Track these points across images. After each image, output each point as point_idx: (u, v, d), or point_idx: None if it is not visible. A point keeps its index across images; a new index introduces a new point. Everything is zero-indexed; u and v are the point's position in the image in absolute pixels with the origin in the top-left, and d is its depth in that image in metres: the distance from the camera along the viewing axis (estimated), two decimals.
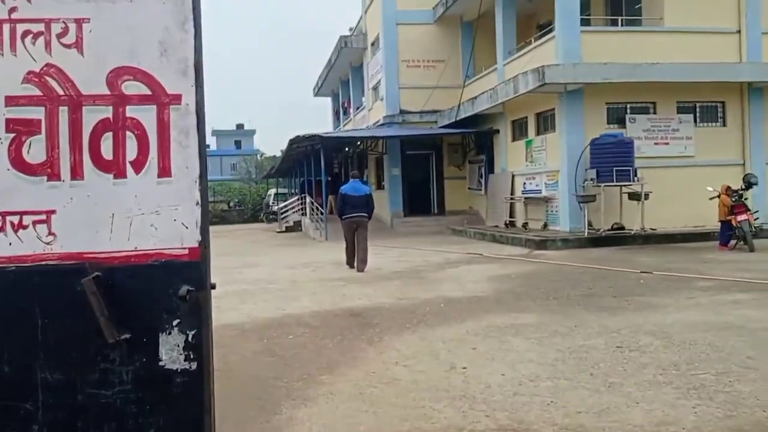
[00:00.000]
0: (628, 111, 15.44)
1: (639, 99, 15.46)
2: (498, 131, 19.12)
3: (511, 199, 17.88)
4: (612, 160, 14.05)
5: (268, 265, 13.03)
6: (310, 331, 6.54)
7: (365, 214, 11.39)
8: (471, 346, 5.63)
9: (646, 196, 14.16)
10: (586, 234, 14.19)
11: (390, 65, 21.81)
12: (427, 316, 7.06)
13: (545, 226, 16.16)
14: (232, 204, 44.53)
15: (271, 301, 8.41)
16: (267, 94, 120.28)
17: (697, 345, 5.36)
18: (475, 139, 21.09)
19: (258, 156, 69.07)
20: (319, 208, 20.65)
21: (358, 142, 24.29)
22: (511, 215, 17.88)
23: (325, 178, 19.48)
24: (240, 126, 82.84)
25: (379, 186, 24.04)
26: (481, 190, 20.42)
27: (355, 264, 11.34)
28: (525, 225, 16.69)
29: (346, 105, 30.92)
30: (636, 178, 14.20)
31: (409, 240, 17.42)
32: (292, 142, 19.15)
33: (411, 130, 21.07)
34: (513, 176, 18.11)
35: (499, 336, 5.97)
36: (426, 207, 22.40)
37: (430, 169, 22.55)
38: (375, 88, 24.25)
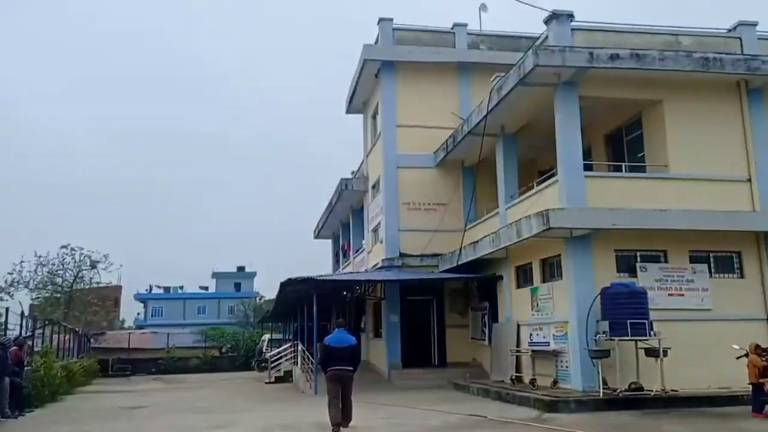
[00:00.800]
0: (639, 259, 14.54)
1: (649, 247, 14.62)
2: (501, 277, 18.17)
3: (518, 351, 16.51)
4: (626, 312, 12.94)
5: (244, 427, 11.48)
6: None
7: (350, 368, 10.62)
8: None
9: (665, 352, 12.87)
10: (601, 395, 12.71)
11: (390, 207, 21.38)
12: None
13: (555, 383, 14.67)
14: (224, 350, 42.65)
15: None
16: (269, 237, 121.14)
17: None
18: (477, 285, 20.09)
19: (257, 299, 67.86)
20: (310, 358, 19.21)
21: (357, 287, 23.32)
22: (518, 369, 16.39)
23: (316, 324, 18.27)
24: (241, 268, 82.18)
25: (377, 334, 22.71)
26: (484, 340, 19.08)
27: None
28: (533, 381, 15.18)
29: (345, 248, 30.32)
30: (652, 332, 12.99)
31: (407, 396, 15.84)
32: (284, 285, 18.16)
33: (410, 274, 20.14)
34: (519, 326, 16.88)
35: None
36: (426, 358, 20.90)
37: (430, 317, 21.33)
38: (375, 231, 23.70)
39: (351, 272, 25.90)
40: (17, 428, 12.08)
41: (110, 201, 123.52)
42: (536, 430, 10.08)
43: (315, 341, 18.61)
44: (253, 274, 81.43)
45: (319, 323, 18.77)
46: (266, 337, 37.94)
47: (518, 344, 16.68)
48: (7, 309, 17.47)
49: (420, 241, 21.09)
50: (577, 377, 13.82)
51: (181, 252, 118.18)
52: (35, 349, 28.54)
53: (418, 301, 21.20)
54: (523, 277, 17.23)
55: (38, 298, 41.09)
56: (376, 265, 22.22)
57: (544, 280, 15.90)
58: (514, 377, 16.10)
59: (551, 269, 15.66)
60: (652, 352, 12.98)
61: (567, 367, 14.38)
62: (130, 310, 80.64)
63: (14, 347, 14.62)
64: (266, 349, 35.37)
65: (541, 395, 13.12)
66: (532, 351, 15.71)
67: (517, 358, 16.52)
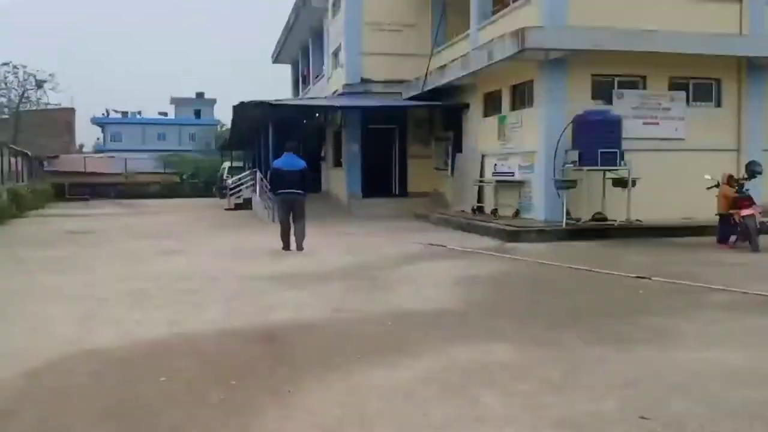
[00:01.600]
0: (616, 85, 13.65)
1: (629, 71, 13.66)
2: (468, 106, 17.20)
3: (481, 182, 16.04)
4: (597, 141, 12.29)
5: (193, 252, 10.95)
6: (196, 369, 4.56)
7: (300, 192, 10.58)
8: (422, 410, 3.73)
9: (634, 183, 12.45)
10: (564, 225, 12.42)
11: (352, 27, 19.62)
12: (367, 343, 5.15)
13: (517, 213, 14.35)
14: (185, 176, 41.88)
15: (168, 310, 6.39)
16: (229, 65, 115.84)
17: (763, 417, 3.56)
18: (442, 113, 19.15)
19: (218, 127, 66.00)
20: (268, 186, 18.53)
21: (316, 114, 22.17)
22: (480, 200, 16.04)
23: (272, 152, 17.33)
24: (200, 95, 79.24)
25: (337, 164, 21.98)
26: (447, 170, 18.54)
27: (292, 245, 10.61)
28: (494, 212, 14.87)
29: (305, 73, 28.59)
30: (622, 162, 12.47)
31: (366, 225, 15.47)
32: (237, 108, 16.86)
33: (372, 101, 18.96)
34: (483, 157, 16.24)
35: (466, 388, 4.08)
36: (387, 188, 20.43)
37: (392, 147, 20.54)
38: (335, 54, 22.04)
39: (309, 98, 24.49)
40: None
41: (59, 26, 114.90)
42: (497, 261, 9.74)
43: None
44: (213, 101, 78.81)
45: (276, 152, 17.85)
46: (227, 164, 37.15)
47: (482, 175, 16.16)
48: None
49: (384, 66, 19.66)
50: (541, 208, 13.46)
51: (138, 78, 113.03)
52: None
53: (380, 130, 20.23)
54: (492, 105, 16.26)
55: None
56: (336, 91, 20.88)
57: (513, 108, 15.00)
58: (475, 207, 15.79)
59: (522, 96, 14.69)
60: (620, 183, 12.55)
61: (531, 198, 13.99)
62: (88, 135, 78.56)
63: None
64: (226, 177, 34.84)
65: (503, 225, 12.80)
66: (496, 182, 15.24)
67: (480, 189, 16.11)
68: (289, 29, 27.39)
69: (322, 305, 6.59)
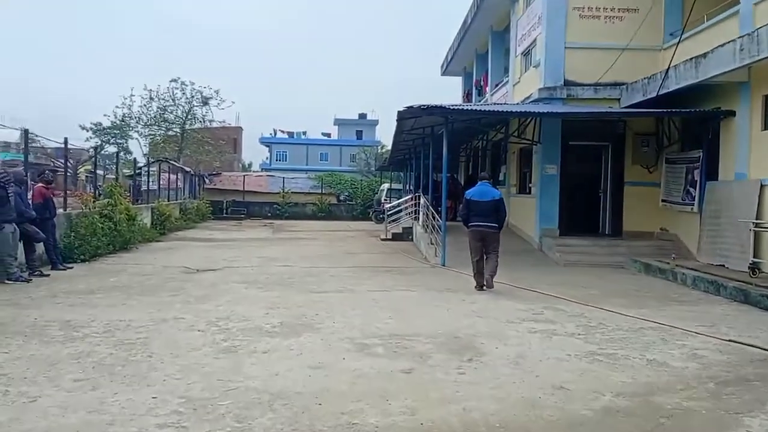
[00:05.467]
0: None
1: None
2: (733, 113, 11.88)
3: (759, 226, 10.65)
4: None
5: (329, 331, 6.83)
6: None
7: (494, 225, 9.81)
8: None
9: None
10: None
11: (554, 13, 15.02)
12: None
13: None
14: (341, 197, 39.36)
15: None
16: (393, 82, 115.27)
17: None
18: (682, 126, 13.92)
19: (378, 147, 64.01)
20: (435, 215, 14.44)
21: (496, 128, 17.77)
22: (757, 254, 10.62)
23: (446, 168, 13.18)
24: (362, 116, 78.66)
25: (523, 189, 17.40)
26: (689, 205, 13.21)
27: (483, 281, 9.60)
28: None
29: (482, 83, 24.33)
30: None
31: (572, 280, 10.80)
32: (401, 115, 12.86)
33: (581, 109, 14.18)
34: (762, 187, 10.85)
35: None
36: (593, 224, 15.47)
37: (602, 170, 15.56)
38: (526, 54, 17.56)
39: (495, 103, 20.04)
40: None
41: (227, 48, 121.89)
42: None
43: (445, 195, 13.65)
44: (375, 122, 77.94)
45: (447, 172, 13.75)
46: (385, 186, 34.02)
47: (759, 215, 10.77)
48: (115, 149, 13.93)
49: (595, 65, 14.85)
50: None
51: (303, 97, 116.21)
52: (143, 188, 26.37)
53: (585, 147, 15.39)
54: None
55: (151, 135, 39.21)
56: (528, 98, 16.32)
57: None
58: (753, 264, 10.37)
59: None
60: None
61: None
62: (256, 154, 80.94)
63: (39, 184, 10.86)
64: (385, 200, 31.57)
65: None
66: None
67: (756, 236, 10.69)
68: (464, 32, 23.39)
69: None
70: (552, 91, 14.92)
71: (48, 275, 9.98)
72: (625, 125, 15.10)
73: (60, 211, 12.06)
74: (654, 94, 13.04)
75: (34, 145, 30.77)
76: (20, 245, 9.72)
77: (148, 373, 4.88)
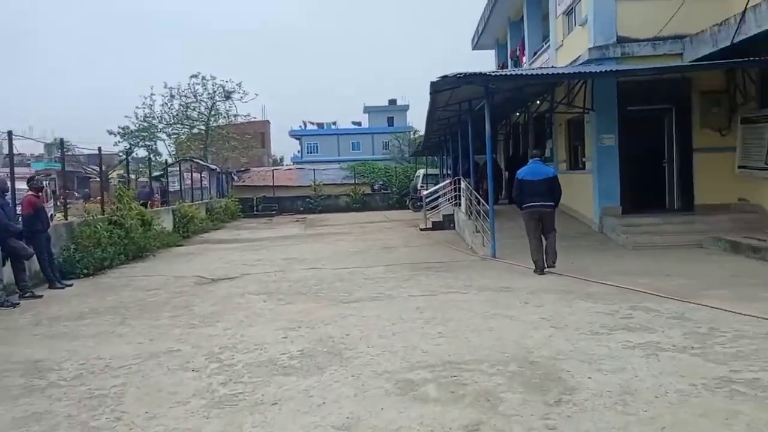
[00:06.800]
0: None
1: None
2: None
3: None
4: None
5: (367, 357, 5.38)
6: None
7: (550, 203, 9.23)
8: None
9: None
10: None
11: None
12: None
13: None
14: (376, 187, 37.91)
15: None
16: (421, 65, 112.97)
17: None
18: (760, 80, 11.97)
19: (411, 133, 62.28)
20: (480, 200, 12.83)
21: (542, 96, 15.98)
22: None
23: (490, 145, 11.49)
24: (392, 102, 76.87)
25: (574, 165, 15.64)
26: None
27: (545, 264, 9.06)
28: None
29: (518, 53, 22.45)
30: None
31: (647, 265, 9.15)
32: (436, 87, 11.14)
33: (644, 66, 12.32)
34: None
35: None
36: (659, 199, 13.65)
37: (665, 137, 13.71)
38: (568, 13, 15.74)
39: (542, 67, 18.15)
40: None
41: (253, 43, 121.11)
42: None
43: (491, 177, 12.02)
44: (405, 107, 76.23)
45: (492, 152, 12.11)
46: (421, 172, 32.44)
47: None
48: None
49: (653, 16, 12.98)
50: None
51: (331, 87, 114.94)
52: (169, 189, 25.35)
53: (644, 113, 13.52)
54: None
55: (175, 134, 38.32)
56: (574, 62, 14.50)
57: None
58: None
59: None
60: None
61: None
62: (288, 148, 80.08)
63: (29, 192, 9.63)
64: (421, 186, 30.03)
65: None
66: None
67: None
68: (494, 1, 21.52)
69: None
70: (604, 51, 13.09)
71: (41, 296, 8.74)
72: (689, 84, 13.20)
73: (60, 219, 10.84)
74: (728, 43, 11.11)
75: (68, 153, 30.25)
76: (6, 265, 8.49)
77: None
